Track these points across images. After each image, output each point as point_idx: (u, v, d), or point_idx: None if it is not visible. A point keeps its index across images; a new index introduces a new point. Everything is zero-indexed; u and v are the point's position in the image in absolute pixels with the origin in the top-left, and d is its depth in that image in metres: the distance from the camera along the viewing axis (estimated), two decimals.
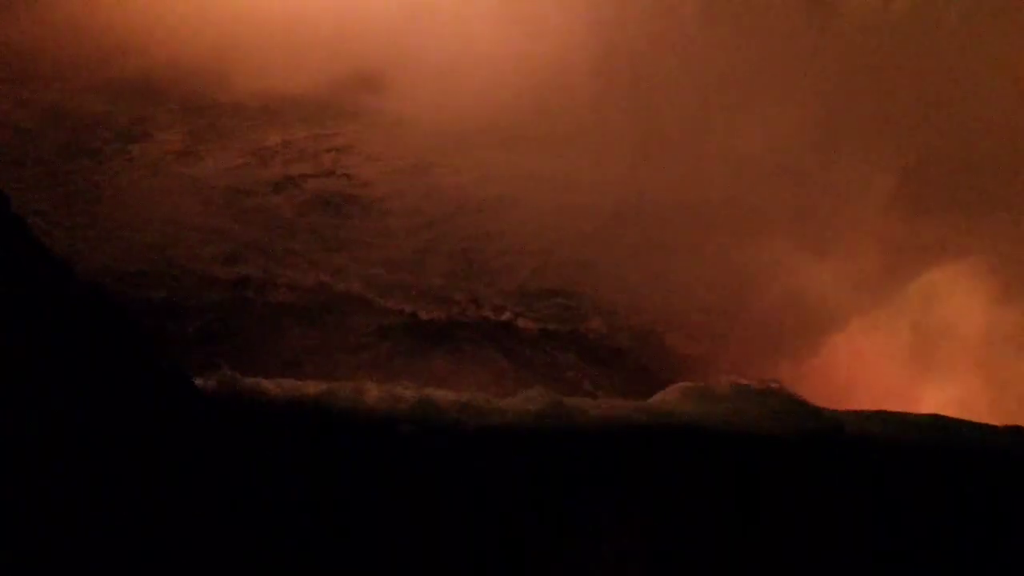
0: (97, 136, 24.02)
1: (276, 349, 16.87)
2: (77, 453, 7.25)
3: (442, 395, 12.07)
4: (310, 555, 9.02)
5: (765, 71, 27.85)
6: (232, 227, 20.55)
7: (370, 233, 21.39)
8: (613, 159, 24.63)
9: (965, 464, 10.77)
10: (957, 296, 18.18)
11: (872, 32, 30.12)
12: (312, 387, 11.51)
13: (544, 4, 30.07)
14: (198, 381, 9.92)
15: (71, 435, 7.30)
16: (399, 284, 19.37)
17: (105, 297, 9.55)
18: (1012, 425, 11.84)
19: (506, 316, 19.05)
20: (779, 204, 21.93)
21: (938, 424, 11.88)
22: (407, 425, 10.23)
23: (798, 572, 9.89)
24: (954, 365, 17.12)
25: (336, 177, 23.88)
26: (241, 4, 29.53)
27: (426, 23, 29.57)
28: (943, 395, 16.47)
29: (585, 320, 19.06)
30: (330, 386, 11.56)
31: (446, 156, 25.06)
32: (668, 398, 12.26)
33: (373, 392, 11.38)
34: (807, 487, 10.18)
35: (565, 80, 27.26)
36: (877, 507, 10.32)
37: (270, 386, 11.41)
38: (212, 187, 22.29)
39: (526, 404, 11.11)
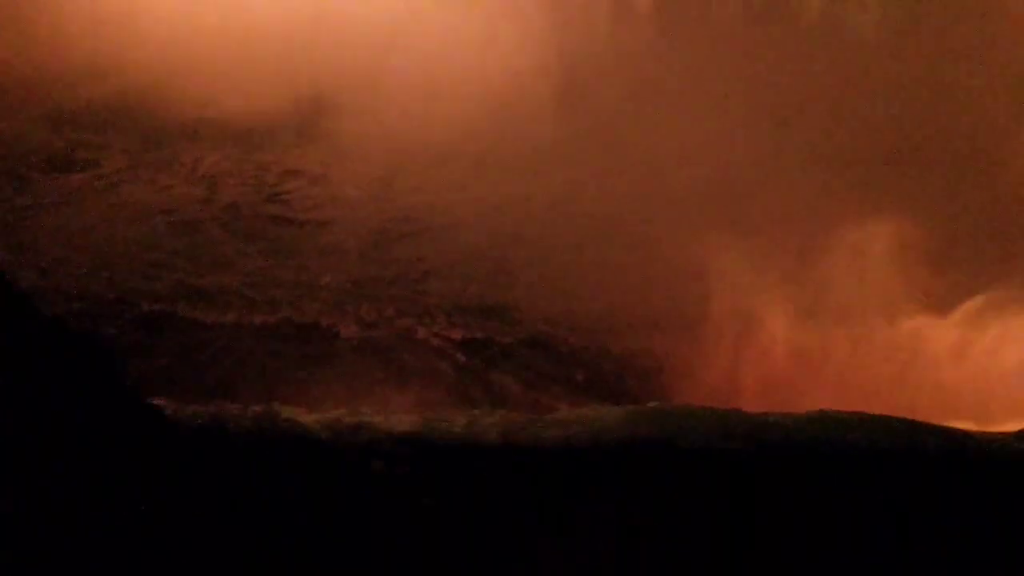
0: (29, 164, 23.74)
1: (213, 377, 16.90)
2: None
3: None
4: None
5: (725, 80, 28.63)
6: (167, 256, 20.34)
7: (311, 256, 21.37)
8: (574, 177, 25.09)
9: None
10: None
11: (832, 41, 31.42)
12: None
13: (506, 26, 30.18)
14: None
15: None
16: (338, 306, 19.48)
17: (70, 331, 9.60)
18: None
19: (453, 333, 19.43)
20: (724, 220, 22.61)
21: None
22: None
23: None
24: None
25: (281, 202, 23.91)
26: (197, 27, 29.31)
27: (389, 44, 29.53)
28: None
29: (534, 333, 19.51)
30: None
31: (398, 179, 25.19)
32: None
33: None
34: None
35: (527, 100, 27.52)
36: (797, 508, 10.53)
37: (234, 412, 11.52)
38: (149, 214, 22.00)
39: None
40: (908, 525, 10.21)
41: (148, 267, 19.84)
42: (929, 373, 20.26)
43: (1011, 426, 14.06)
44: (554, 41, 29.89)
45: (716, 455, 10.62)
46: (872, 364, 20.20)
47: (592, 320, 20.28)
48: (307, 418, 11.43)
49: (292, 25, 29.79)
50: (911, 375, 20.08)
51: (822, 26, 33.61)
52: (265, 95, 27.25)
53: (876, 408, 13.75)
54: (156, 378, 16.09)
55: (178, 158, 25.36)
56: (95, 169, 24.20)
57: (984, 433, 12.53)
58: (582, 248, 22.24)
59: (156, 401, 9.94)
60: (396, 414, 12.83)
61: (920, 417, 13.25)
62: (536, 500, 10.07)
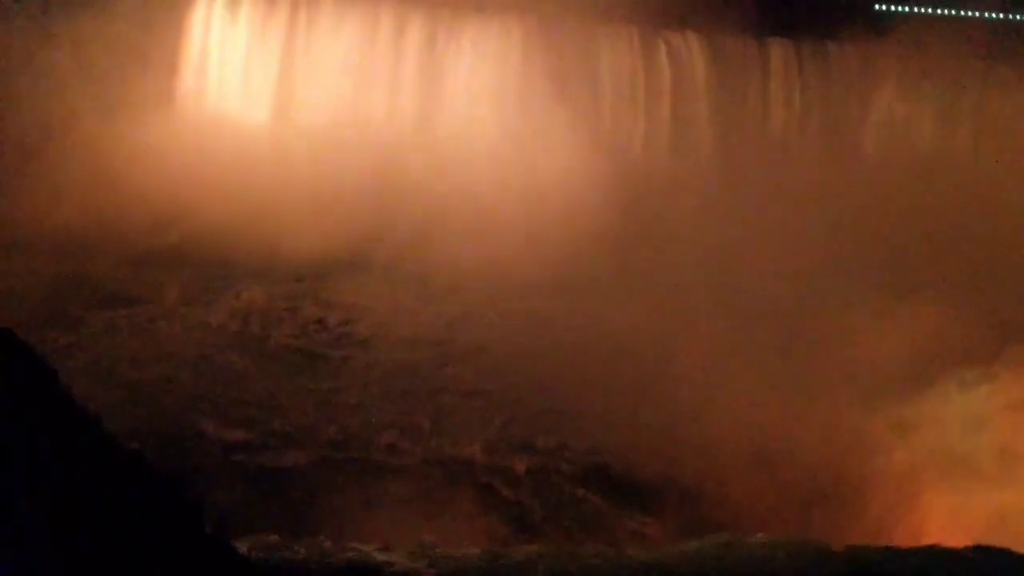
0: (82, 303, 24.63)
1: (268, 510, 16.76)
2: None
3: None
4: None
5: (782, 212, 28.86)
6: (187, 396, 20.45)
7: (352, 381, 21.48)
8: (627, 306, 25.11)
9: None
10: None
11: (889, 173, 31.74)
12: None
13: (571, 159, 31.40)
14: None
15: None
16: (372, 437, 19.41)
17: (146, 462, 9.61)
18: None
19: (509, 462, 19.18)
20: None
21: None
22: None
23: None
24: None
25: (325, 334, 24.42)
26: (264, 176, 30.83)
27: (448, 186, 30.50)
28: None
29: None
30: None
31: (454, 311, 25.70)
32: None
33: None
34: None
35: (587, 227, 27.77)
36: None
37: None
38: (181, 351, 22.57)
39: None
40: None
41: (164, 407, 20.00)
42: None
43: None
44: (615, 176, 30.73)
45: None
46: None
47: (652, 449, 19.66)
48: (380, 556, 11.18)
49: (355, 173, 31.15)
50: None
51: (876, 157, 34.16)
52: (324, 236, 28.24)
53: None
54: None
55: (225, 296, 26.07)
56: (141, 306, 24.98)
57: None
58: (641, 378, 21.83)
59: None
60: (463, 548, 12.51)
61: None
62: None
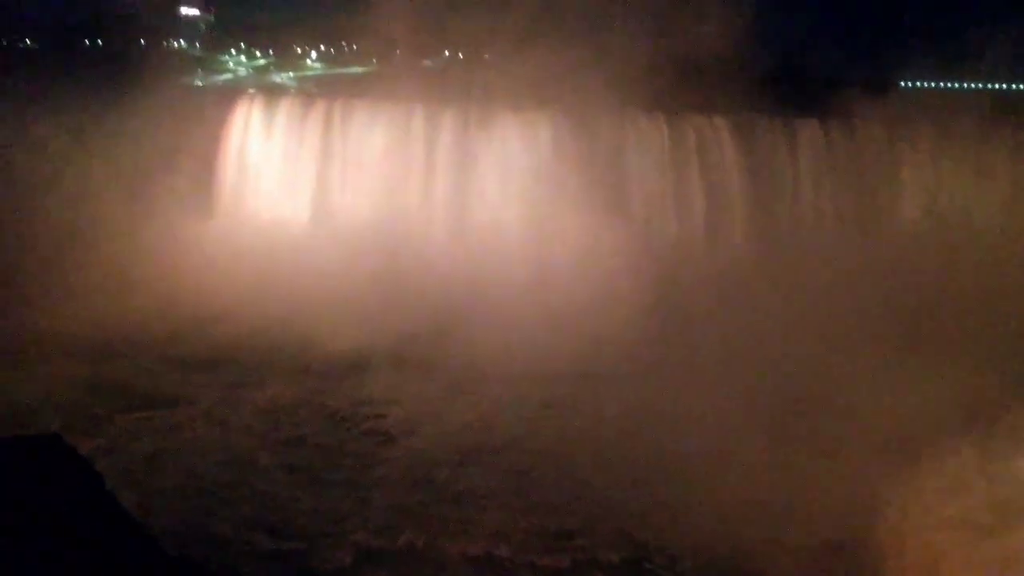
0: (115, 405, 24.63)
1: None
2: None
3: None
4: None
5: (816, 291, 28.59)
6: (209, 499, 20.46)
7: (379, 478, 21.47)
8: (660, 395, 24.80)
9: None
10: None
11: (924, 244, 31.47)
12: None
13: (602, 247, 31.48)
14: None
15: None
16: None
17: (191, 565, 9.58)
18: None
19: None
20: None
21: None
22: None
23: None
24: None
25: (360, 429, 24.30)
26: (307, 269, 31.36)
27: (485, 275, 30.73)
28: None
29: None
30: None
31: (487, 402, 25.64)
32: None
33: None
34: None
35: (619, 315, 27.67)
36: None
37: None
38: (204, 453, 22.59)
39: None
40: None
41: (190, 509, 19.76)
42: None
43: None
44: (646, 262, 30.76)
45: None
46: None
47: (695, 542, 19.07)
48: None
49: (390, 268, 31.62)
50: None
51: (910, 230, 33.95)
52: (357, 332, 28.49)
53: None
54: None
55: (255, 395, 25.98)
56: (172, 408, 24.95)
57: None
58: (681, 470, 21.30)
59: None
60: None
61: None
62: None
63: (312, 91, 43.66)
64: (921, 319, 27.85)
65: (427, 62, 44.25)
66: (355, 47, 48.55)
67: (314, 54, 52.73)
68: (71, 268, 29.84)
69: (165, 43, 53.21)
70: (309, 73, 50.97)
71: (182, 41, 55.23)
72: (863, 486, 18.58)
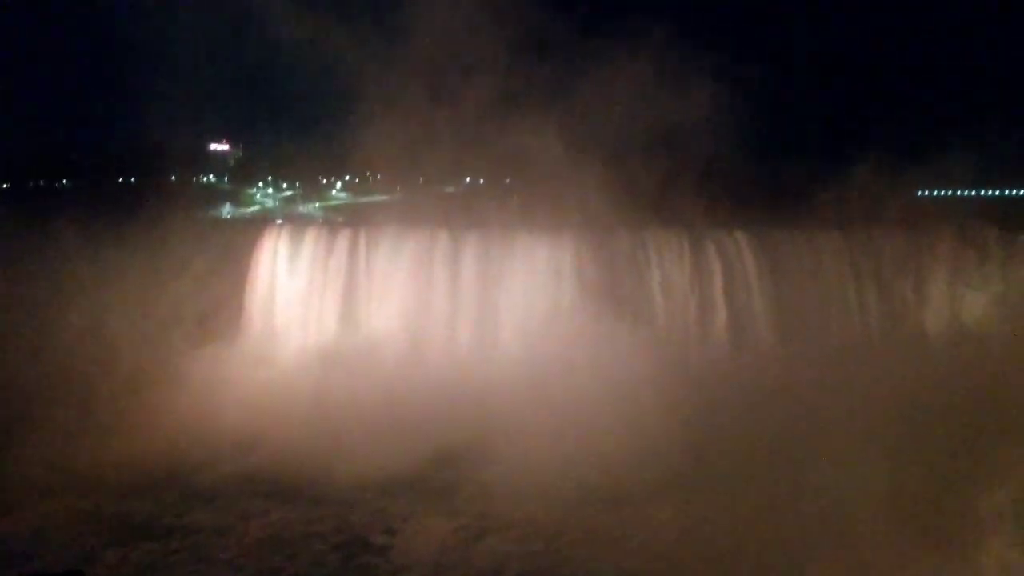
0: (108, 540, 24.63)
1: None
2: None
3: None
4: None
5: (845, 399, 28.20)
6: None
7: None
8: (694, 511, 24.43)
9: None
10: None
11: (951, 351, 31.14)
12: None
13: (629, 364, 31.10)
14: None
15: None
16: None
17: None
18: None
19: None
20: None
21: None
22: None
23: None
24: None
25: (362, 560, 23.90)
26: (332, 398, 31.38)
27: (512, 397, 30.49)
28: None
29: None
30: None
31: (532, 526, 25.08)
32: None
33: None
34: None
35: (649, 431, 27.50)
36: None
37: None
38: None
39: None
40: None
41: None
42: None
43: None
44: (674, 377, 30.57)
45: None
46: None
47: None
48: None
49: (416, 393, 31.63)
50: None
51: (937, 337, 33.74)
52: (379, 459, 28.31)
53: None
54: None
55: (263, 525, 25.81)
56: (166, 540, 24.76)
57: None
58: None
59: None
60: None
61: None
62: None
63: (338, 220, 44.63)
64: (953, 427, 27.35)
65: (449, 188, 45.35)
66: (379, 176, 49.92)
67: (339, 184, 54.21)
68: (103, 401, 30.05)
69: (195, 178, 55.06)
70: (334, 203, 52.29)
71: (211, 176, 57.13)
72: None
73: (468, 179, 45.56)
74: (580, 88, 34.80)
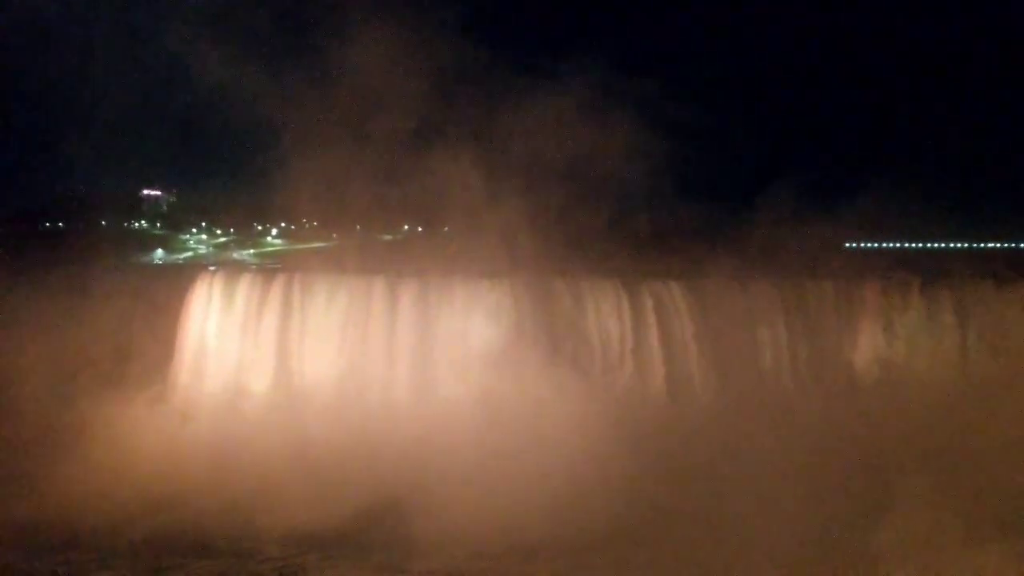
0: None
1: None
2: None
3: None
4: None
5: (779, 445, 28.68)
6: None
7: None
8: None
9: None
10: None
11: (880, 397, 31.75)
12: None
13: (569, 412, 31.24)
14: None
15: None
16: None
17: None
18: None
19: None
20: None
21: None
22: None
23: None
24: None
25: None
26: (259, 451, 30.58)
27: (450, 446, 30.24)
28: None
29: None
30: None
31: None
32: None
33: None
34: None
35: (588, 481, 27.49)
36: None
37: None
38: None
39: None
40: None
41: None
42: None
43: None
44: (613, 426, 30.57)
45: None
46: None
47: None
48: None
49: (350, 445, 30.95)
50: None
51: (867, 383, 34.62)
52: (318, 510, 27.72)
53: None
54: None
55: None
56: None
57: None
58: None
59: None
60: None
61: None
62: None
63: (273, 266, 44.10)
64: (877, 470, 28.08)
65: (387, 236, 45.18)
66: (315, 223, 49.52)
67: (274, 231, 53.67)
68: (12, 453, 28.80)
69: (127, 223, 53.98)
70: (269, 249, 51.68)
71: (144, 222, 56.09)
72: None
73: (407, 227, 45.51)
74: (515, 135, 35.17)
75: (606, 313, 35.53)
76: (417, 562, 25.79)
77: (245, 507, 27.91)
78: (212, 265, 41.95)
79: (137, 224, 55.56)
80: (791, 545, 23.59)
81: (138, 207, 56.02)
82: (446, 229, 41.05)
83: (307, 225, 51.16)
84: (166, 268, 44.65)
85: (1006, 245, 44.24)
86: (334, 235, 47.16)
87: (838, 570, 22.73)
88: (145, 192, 56.93)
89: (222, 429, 32.14)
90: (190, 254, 51.98)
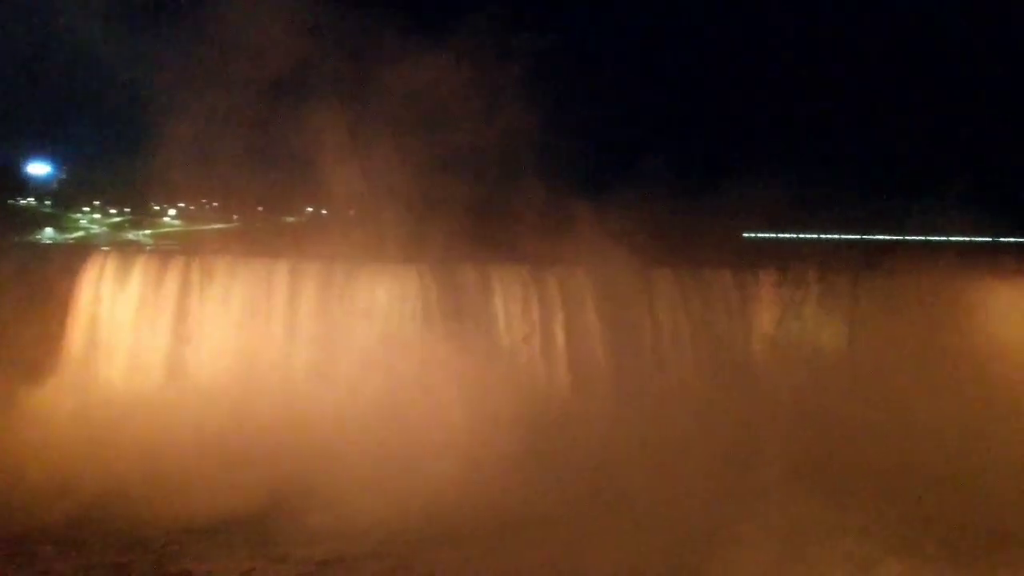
0: None
1: None
2: None
3: None
4: None
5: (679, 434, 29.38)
6: None
7: None
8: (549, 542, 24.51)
9: None
10: None
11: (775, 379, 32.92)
12: None
13: (472, 398, 31.06)
14: None
15: None
16: None
17: None
18: None
19: None
20: None
21: None
22: None
23: None
24: None
25: None
26: (156, 435, 29.71)
27: (351, 431, 29.72)
28: None
29: None
30: None
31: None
32: None
33: None
34: None
35: (490, 468, 27.58)
36: None
37: None
38: None
39: None
40: None
41: None
42: None
43: None
44: (516, 413, 30.72)
45: None
46: None
47: None
48: None
49: (247, 430, 30.29)
50: None
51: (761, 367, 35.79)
52: (213, 497, 27.17)
53: None
54: None
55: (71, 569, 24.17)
56: None
57: None
58: None
59: None
60: None
61: None
62: None
63: (170, 248, 42.68)
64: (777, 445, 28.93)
65: (290, 218, 44.28)
66: (215, 204, 48.17)
67: (172, 211, 51.95)
68: None
69: (10, 200, 51.42)
70: (167, 230, 50.04)
71: (31, 199, 53.50)
72: None
73: (310, 209, 44.68)
74: (417, 116, 34.86)
75: (512, 299, 35.67)
76: (305, 549, 25.53)
77: (135, 495, 27.08)
78: (105, 246, 40.32)
79: (23, 202, 52.96)
80: (677, 521, 24.35)
81: (23, 185, 53.33)
82: (352, 213, 40.52)
83: (207, 206, 49.72)
84: (55, 248, 42.69)
85: (901, 238, 46.25)
86: (235, 216, 46.01)
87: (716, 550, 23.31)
88: (29, 169, 54.18)
89: (114, 416, 31.04)
90: (82, 234, 49.83)
